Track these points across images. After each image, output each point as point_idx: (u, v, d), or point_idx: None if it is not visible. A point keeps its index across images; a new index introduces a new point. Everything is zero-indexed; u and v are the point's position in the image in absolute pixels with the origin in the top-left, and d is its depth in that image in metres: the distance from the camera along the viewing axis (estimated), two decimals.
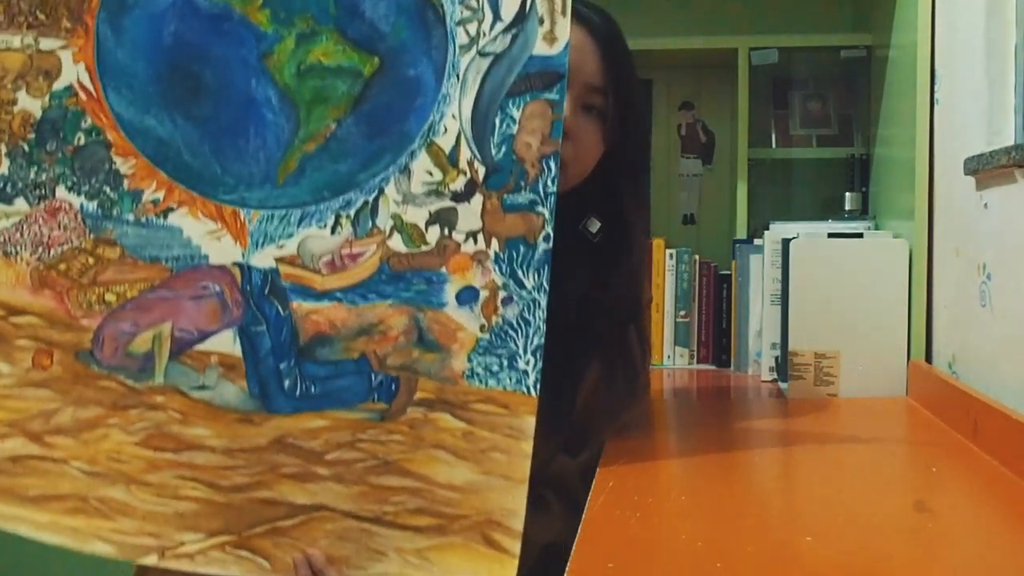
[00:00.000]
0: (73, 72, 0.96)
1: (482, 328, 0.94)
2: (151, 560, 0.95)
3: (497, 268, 0.94)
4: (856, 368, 1.55)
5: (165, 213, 0.95)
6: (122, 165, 0.96)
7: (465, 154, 0.94)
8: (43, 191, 0.96)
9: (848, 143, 2.18)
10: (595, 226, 1.14)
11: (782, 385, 1.64)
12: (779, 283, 1.69)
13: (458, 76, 0.94)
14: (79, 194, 0.96)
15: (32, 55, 0.97)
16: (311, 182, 0.95)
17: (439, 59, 0.94)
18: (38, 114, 0.96)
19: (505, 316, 0.94)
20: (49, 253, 0.96)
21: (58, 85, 0.96)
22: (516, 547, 0.92)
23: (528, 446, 0.93)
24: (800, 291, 1.57)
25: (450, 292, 0.94)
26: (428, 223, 0.94)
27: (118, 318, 0.95)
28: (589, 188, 1.13)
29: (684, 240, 2.26)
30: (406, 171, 0.94)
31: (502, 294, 0.94)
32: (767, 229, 1.80)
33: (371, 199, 0.94)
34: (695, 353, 2.05)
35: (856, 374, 1.55)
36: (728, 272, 2.00)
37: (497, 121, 0.94)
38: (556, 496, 1.09)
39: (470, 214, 0.94)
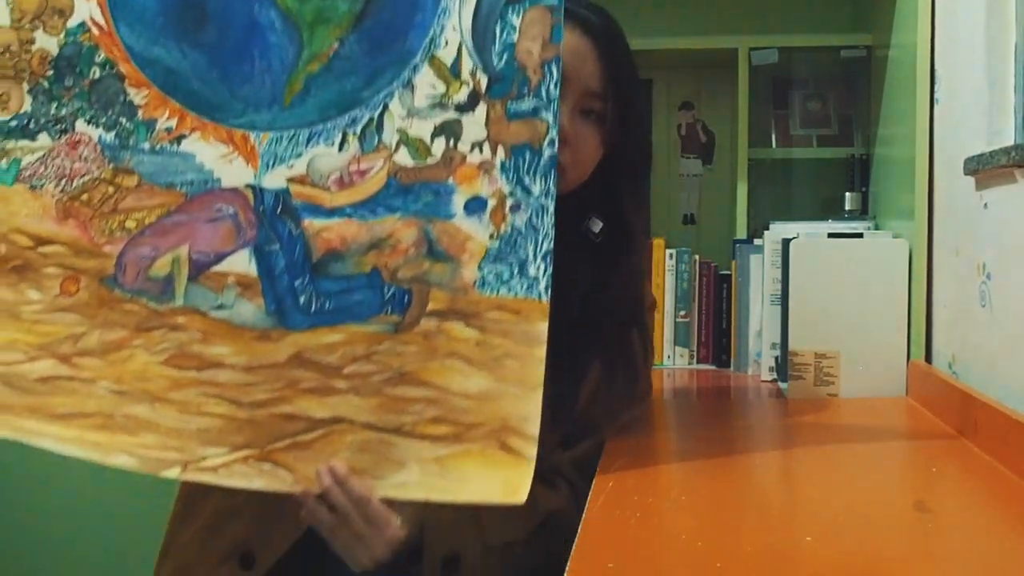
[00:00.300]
0: (86, 9, 0.99)
1: (491, 236, 0.95)
2: (174, 473, 0.97)
3: (504, 176, 0.95)
4: (856, 368, 1.55)
5: (178, 140, 0.98)
6: (136, 96, 0.99)
7: (467, 65, 0.95)
8: (64, 125, 0.99)
9: (848, 143, 2.18)
10: (597, 226, 1.14)
11: (782, 385, 1.64)
12: (779, 283, 1.69)
13: None
14: (97, 126, 0.99)
15: None
16: (317, 102, 0.97)
17: None
18: (55, 51, 1.00)
19: (514, 223, 0.95)
20: (72, 184, 0.99)
21: (72, 22, 0.99)
22: (532, 451, 0.92)
23: (541, 351, 0.94)
24: (800, 291, 1.57)
25: (458, 202, 0.95)
26: (433, 135, 0.95)
27: (138, 243, 0.98)
28: (590, 189, 1.13)
29: (684, 240, 2.25)
30: (409, 86, 0.96)
31: (510, 201, 0.95)
32: (767, 229, 1.80)
33: (376, 115, 0.96)
34: (695, 353, 2.05)
35: (856, 374, 1.55)
36: (728, 272, 2.00)
37: (497, 30, 0.95)
38: (559, 477, 1.10)
39: (475, 124, 0.95)
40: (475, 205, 0.95)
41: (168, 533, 1.15)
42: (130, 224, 0.98)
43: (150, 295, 0.98)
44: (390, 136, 0.96)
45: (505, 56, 0.94)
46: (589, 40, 1.08)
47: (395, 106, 0.96)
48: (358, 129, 0.96)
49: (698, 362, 2.05)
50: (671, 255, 2.04)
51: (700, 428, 1.40)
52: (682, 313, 2.05)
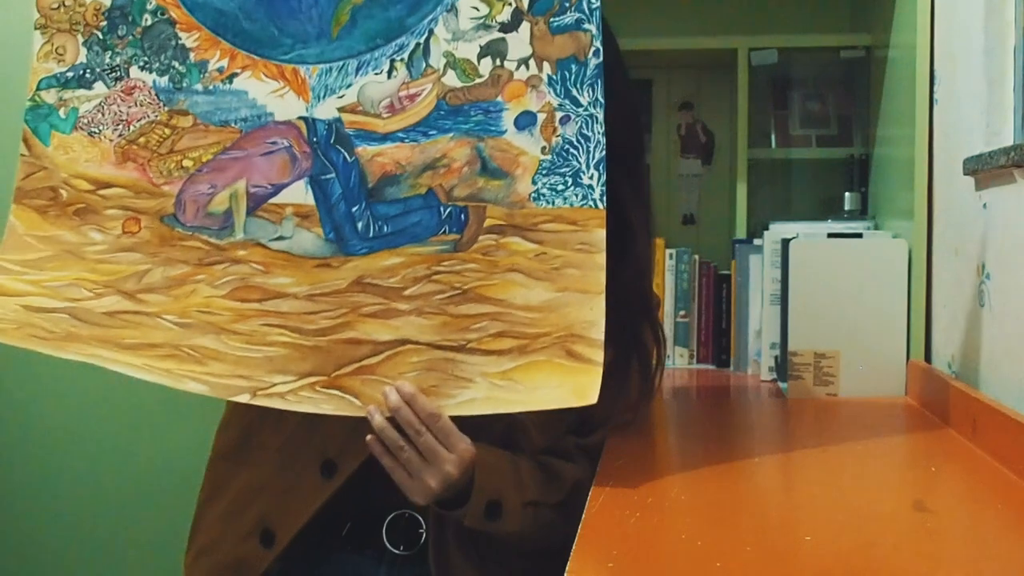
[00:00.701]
0: None
1: (543, 150, 0.97)
2: (244, 398, 0.99)
3: (551, 90, 0.97)
4: (856, 368, 1.55)
5: (230, 79, 1.01)
6: (187, 39, 1.02)
7: None
8: (119, 73, 1.03)
9: (848, 143, 2.18)
10: None
11: (782, 385, 1.64)
12: (779, 283, 1.69)
13: None
14: (151, 71, 1.02)
15: None
16: (363, 31, 0.99)
17: None
18: (108, 2, 1.03)
19: (564, 135, 0.97)
20: (129, 129, 1.02)
21: None
22: (599, 355, 0.94)
23: (601, 258, 0.96)
24: (800, 291, 1.57)
25: (508, 119, 0.97)
26: (480, 56, 0.97)
27: (196, 181, 1.01)
28: None
29: (684, 240, 2.25)
30: (453, 9, 0.98)
31: (559, 114, 0.97)
32: (767, 229, 1.80)
33: (422, 41, 0.98)
34: (695, 353, 2.05)
35: (856, 374, 1.55)
36: (728, 272, 2.00)
37: None
38: (572, 455, 1.12)
39: (519, 42, 0.97)
40: (525, 120, 0.97)
41: (196, 516, 1.17)
42: (187, 163, 1.01)
43: (210, 230, 1.00)
44: (437, 60, 0.98)
45: None
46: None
47: (440, 30, 0.98)
48: (405, 55, 0.98)
49: (698, 362, 2.05)
50: (671, 255, 2.05)
51: (700, 428, 1.40)
52: (682, 313, 2.05)
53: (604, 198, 0.96)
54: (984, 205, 1.27)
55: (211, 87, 1.01)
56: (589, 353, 0.94)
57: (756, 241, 1.90)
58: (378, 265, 0.98)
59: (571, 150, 0.97)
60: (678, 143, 2.34)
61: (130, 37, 1.02)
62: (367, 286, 0.98)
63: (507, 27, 0.97)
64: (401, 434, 0.97)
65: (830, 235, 1.64)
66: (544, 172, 0.97)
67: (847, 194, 1.93)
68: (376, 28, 0.99)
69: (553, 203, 0.96)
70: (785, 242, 1.62)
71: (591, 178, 0.96)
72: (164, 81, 1.02)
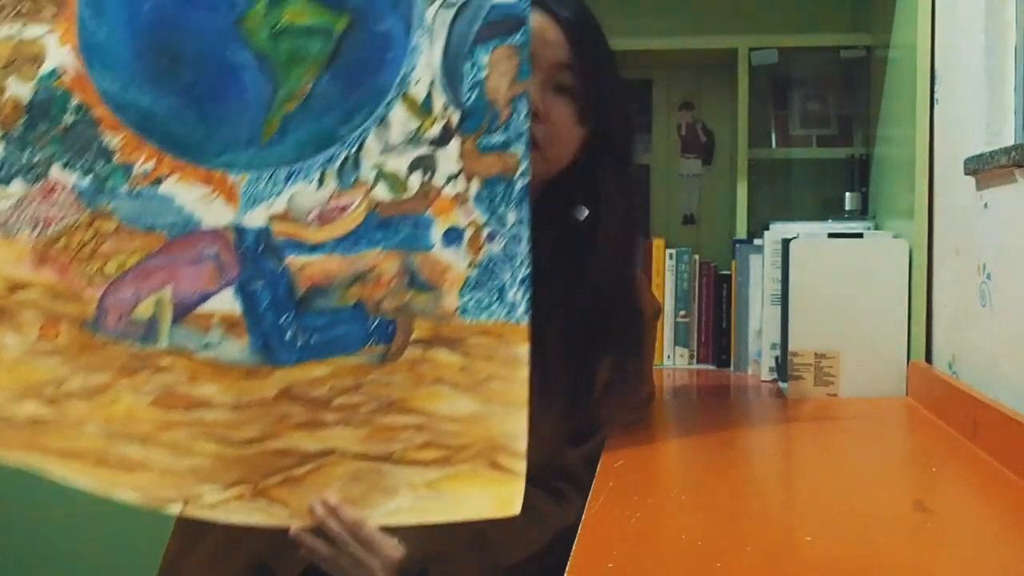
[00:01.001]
0: (59, 55, 0.98)
1: (470, 265, 0.97)
2: (176, 509, 0.97)
3: (479, 207, 0.97)
4: (856, 368, 1.55)
5: (157, 182, 0.98)
6: (111, 140, 0.98)
7: (439, 101, 0.97)
8: (38, 171, 0.98)
9: (848, 143, 2.18)
10: (582, 213, 1.14)
11: (782, 385, 1.64)
12: (779, 283, 1.69)
13: (426, 27, 0.97)
14: (72, 171, 0.98)
15: (19, 43, 0.99)
16: (294, 140, 0.97)
17: (406, 12, 0.97)
18: (28, 98, 0.99)
19: (491, 251, 0.97)
20: (48, 230, 0.98)
21: (45, 68, 0.98)
22: (521, 467, 0.94)
23: (524, 372, 0.96)
24: (800, 291, 1.57)
25: (436, 233, 0.97)
26: (409, 170, 0.97)
27: (120, 287, 0.97)
28: (576, 175, 1.14)
29: (684, 240, 2.25)
30: (384, 122, 0.97)
31: (486, 231, 0.97)
32: (767, 229, 1.80)
33: (353, 152, 0.97)
34: (695, 353, 2.05)
35: (856, 374, 1.55)
36: (728, 272, 2.00)
37: (467, 68, 0.97)
38: (569, 485, 1.11)
39: (448, 158, 0.97)
40: (453, 235, 0.97)
41: (166, 567, 1.14)
42: (110, 268, 0.98)
43: (134, 338, 0.97)
44: (367, 172, 0.97)
45: (475, 92, 0.97)
46: (550, 17, 1.10)
47: (371, 142, 0.97)
48: (336, 166, 0.97)
49: (698, 362, 2.05)
50: (671, 255, 2.05)
51: (700, 428, 1.40)
52: (682, 313, 2.05)
53: (528, 314, 0.97)
54: (985, 205, 1.27)
55: (136, 190, 0.98)
56: (511, 464, 0.95)
57: (756, 241, 1.90)
58: (306, 376, 0.97)
59: (497, 267, 0.97)
60: (678, 143, 2.34)
61: (51, 135, 0.98)
62: (294, 397, 0.97)
63: (437, 142, 0.97)
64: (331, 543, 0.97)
65: (831, 235, 1.64)
66: (470, 287, 0.97)
67: (847, 194, 1.93)
68: (307, 137, 0.97)
69: (479, 317, 0.97)
70: (785, 242, 1.62)
71: (515, 295, 0.97)
72: (87, 182, 0.98)
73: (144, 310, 0.97)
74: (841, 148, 2.17)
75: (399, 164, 0.97)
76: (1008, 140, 1.23)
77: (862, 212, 1.94)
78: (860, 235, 1.64)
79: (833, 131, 2.21)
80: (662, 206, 2.34)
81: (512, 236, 0.97)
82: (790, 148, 2.23)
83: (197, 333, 0.97)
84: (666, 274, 2.04)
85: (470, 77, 0.97)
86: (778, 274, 1.70)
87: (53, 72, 0.98)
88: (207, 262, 0.97)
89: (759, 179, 2.19)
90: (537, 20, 1.09)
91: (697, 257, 2.05)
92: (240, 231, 0.97)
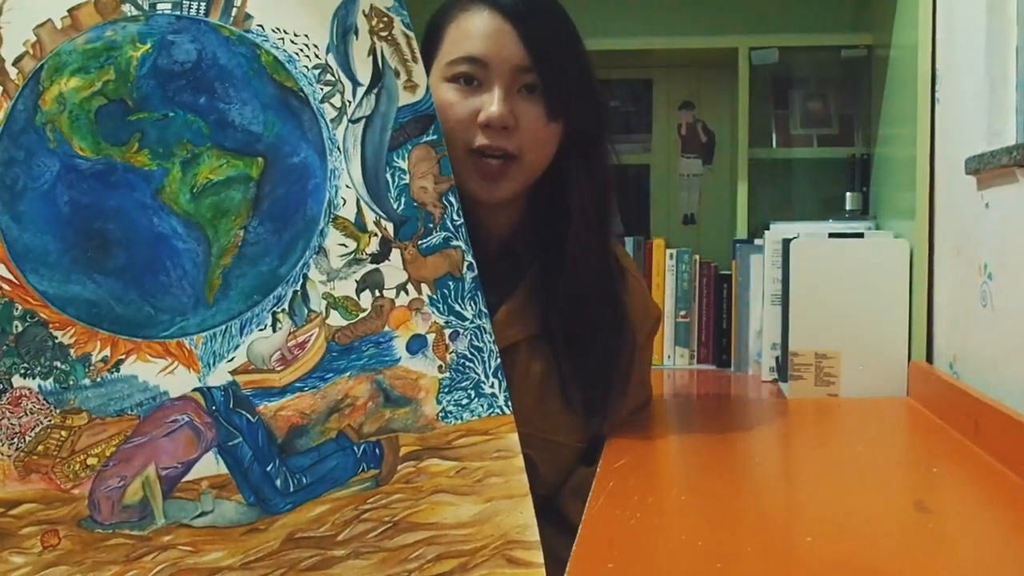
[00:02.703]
0: None
1: (440, 369, 0.99)
2: None
3: (435, 309, 1.00)
4: (856, 368, 1.54)
5: (116, 366, 0.99)
6: (64, 337, 0.99)
7: (370, 216, 0.99)
8: (1, 386, 0.99)
9: (848, 143, 2.18)
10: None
11: (782, 385, 1.63)
12: (779, 283, 1.68)
13: (339, 148, 1.00)
14: (34, 377, 0.99)
15: None
16: (239, 291, 0.99)
17: (316, 139, 1.00)
18: None
19: (458, 350, 0.99)
20: (25, 440, 0.99)
21: None
22: (539, 556, 0.96)
23: (520, 461, 0.98)
24: (800, 291, 1.57)
25: (400, 346, 0.99)
26: (358, 291, 0.99)
27: (105, 477, 0.98)
28: (551, 173, 1.13)
29: (684, 240, 2.25)
30: (322, 251, 0.99)
31: (448, 331, 0.99)
32: (767, 229, 1.79)
33: (299, 288, 0.99)
34: (695, 353, 2.05)
35: (856, 374, 1.54)
36: (728, 272, 2.00)
37: (389, 177, 1.00)
38: (582, 505, 1.10)
39: (394, 270, 1.00)
40: (416, 344, 0.99)
41: None
42: (91, 461, 0.98)
43: (130, 523, 0.98)
44: (318, 303, 0.99)
45: (403, 199, 0.99)
46: (500, 17, 1.08)
47: (314, 274, 0.99)
48: (286, 306, 0.99)
49: (698, 362, 2.05)
50: (671, 255, 2.04)
51: (700, 428, 1.40)
52: (682, 313, 2.04)
53: (508, 403, 0.98)
54: (986, 205, 1.27)
55: (98, 379, 0.99)
56: (528, 556, 0.96)
57: (757, 241, 1.90)
58: (305, 517, 0.98)
59: (467, 363, 0.99)
60: (678, 143, 2.34)
61: (4, 347, 0.99)
62: (299, 541, 0.98)
63: (378, 257, 0.99)
64: None
65: (831, 235, 1.64)
66: (446, 390, 0.99)
67: (848, 194, 1.92)
68: (251, 285, 0.99)
69: (461, 418, 0.98)
70: (786, 242, 1.61)
71: (492, 386, 0.99)
72: (49, 383, 0.99)
73: (133, 493, 0.98)
74: (842, 148, 2.17)
75: (347, 288, 0.99)
76: (1009, 140, 1.22)
77: (863, 212, 1.93)
78: (861, 235, 1.64)
79: (834, 131, 2.21)
80: (662, 206, 2.34)
81: (475, 330, 0.99)
82: (790, 148, 2.23)
83: (190, 502, 0.98)
84: (666, 274, 2.04)
85: (394, 185, 0.99)
86: (778, 274, 1.69)
87: None
88: (182, 431, 0.99)
89: (759, 179, 2.18)
90: (491, 23, 1.08)
91: (697, 257, 2.05)
92: (207, 393, 0.99)
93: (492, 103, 1.06)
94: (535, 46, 1.08)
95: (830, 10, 2.19)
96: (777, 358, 1.73)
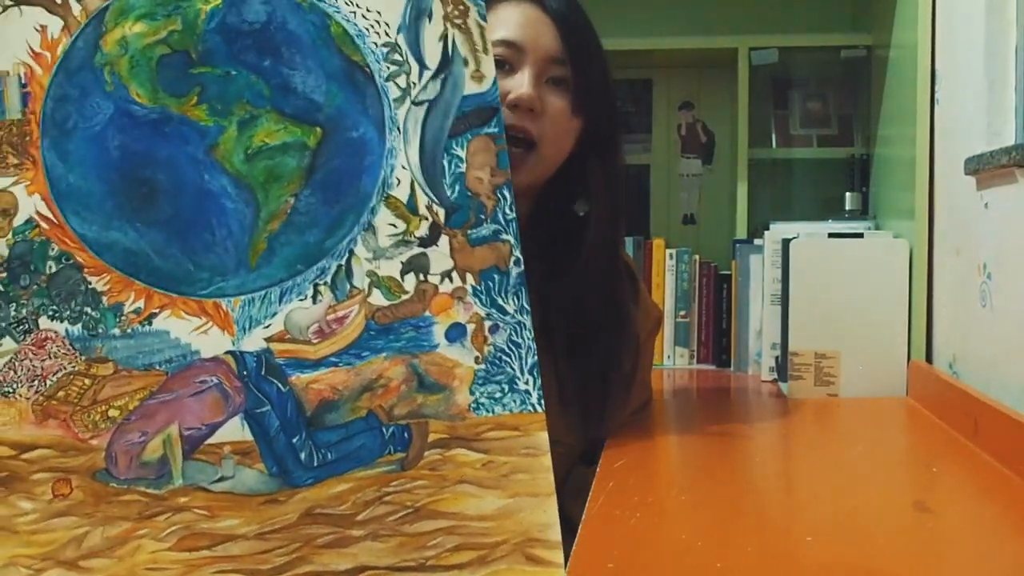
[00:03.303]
0: (30, 204, 0.97)
1: (477, 360, 0.97)
2: None
3: (477, 300, 0.98)
4: (856, 368, 1.55)
5: (149, 320, 0.97)
6: (97, 283, 0.97)
7: (423, 200, 0.98)
8: (27, 325, 0.98)
9: (848, 143, 2.18)
10: (583, 209, 1.15)
11: (782, 385, 1.63)
12: (779, 283, 1.68)
13: (399, 128, 0.98)
14: (62, 320, 0.97)
15: None
16: (283, 259, 0.98)
17: (377, 116, 0.98)
18: (5, 252, 0.98)
19: (496, 343, 0.98)
20: (46, 384, 0.97)
21: (18, 220, 0.98)
22: (559, 556, 0.94)
23: (547, 460, 0.97)
24: (800, 291, 1.57)
25: (439, 333, 0.97)
26: (403, 272, 0.97)
27: (125, 431, 0.97)
28: (567, 169, 1.14)
29: (684, 240, 2.25)
30: (371, 228, 0.98)
31: (488, 323, 0.98)
32: (767, 229, 1.79)
33: (344, 262, 0.98)
34: (695, 353, 2.05)
35: (856, 374, 1.54)
36: (728, 272, 2.00)
37: (445, 163, 0.98)
38: (583, 507, 1.10)
39: (440, 256, 0.98)
40: (456, 332, 0.97)
41: None
42: (113, 413, 0.97)
43: (147, 481, 0.97)
44: (361, 280, 0.98)
45: (457, 187, 0.98)
46: (543, 11, 1.11)
47: (360, 250, 0.98)
48: (328, 279, 0.98)
49: (698, 362, 2.05)
50: (671, 255, 2.04)
51: (700, 428, 1.40)
52: (682, 313, 2.05)
53: (541, 402, 0.97)
54: (985, 205, 1.27)
55: (129, 330, 0.97)
56: (549, 556, 0.94)
57: (757, 241, 1.90)
58: (326, 494, 0.97)
59: (504, 358, 0.98)
60: (678, 143, 2.34)
61: (35, 287, 0.97)
62: (318, 516, 0.97)
63: (426, 241, 0.98)
64: None
65: (831, 235, 1.64)
66: (480, 382, 0.97)
67: (848, 194, 1.92)
68: (295, 254, 0.97)
69: (493, 411, 0.97)
70: (786, 242, 1.61)
71: (527, 383, 0.97)
72: (77, 329, 0.97)
73: (153, 451, 0.97)
74: (841, 148, 2.17)
75: (392, 268, 0.98)
76: (1008, 140, 1.23)
77: (862, 212, 1.93)
78: (860, 235, 1.64)
79: (833, 131, 2.21)
80: (662, 206, 2.34)
81: (515, 325, 0.98)
82: (790, 148, 2.23)
83: (211, 466, 0.97)
84: (666, 274, 2.04)
85: (450, 172, 0.98)
86: (778, 274, 1.69)
87: (28, 222, 0.97)
88: (210, 392, 0.97)
89: (759, 179, 2.19)
90: (529, 13, 1.10)
91: (697, 257, 2.05)
92: (239, 357, 0.97)
93: (523, 84, 1.08)
94: (570, 40, 1.11)
95: (830, 10, 2.20)
96: (777, 358, 1.73)
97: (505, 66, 1.10)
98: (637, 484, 1.00)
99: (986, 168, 1.22)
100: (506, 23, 1.11)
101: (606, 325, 1.16)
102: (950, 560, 0.82)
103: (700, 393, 1.78)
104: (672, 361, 2.05)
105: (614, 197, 1.17)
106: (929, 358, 1.52)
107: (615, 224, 1.17)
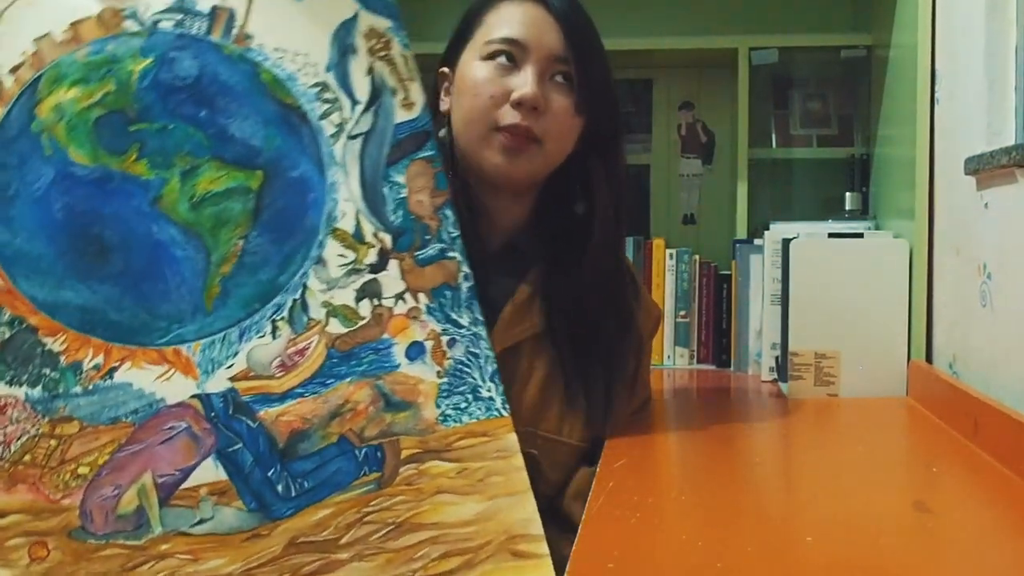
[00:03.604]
0: None
1: (439, 374, 1.01)
2: None
3: (432, 318, 1.02)
4: (856, 368, 1.55)
5: (110, 374, 0.98)
6: (53, 344, 0.98)
7: (368, 228, 1.01)
8: None
9: (848, 143, 2.18)
10: (583, 209, 1.15)
11: (782, 385, 1.63)
12: (779, 283, 1.68)
13: (338, 163, 1.01)
14: (20, 385, 0.98)
15: None
16: (238, 299, 1.00)
17: (315, 154, 1.02)
18: None
19: (455, 357, 1.01)
20: (10, 450, 0.97)
21: None
22: (543, 548, 0.96)
23: (519, 459, 0.99)
24: (800, 291, 1.57)
25: (399, 353, 1.01)
26: (357, 299, 1.01)
27: (98, 486, 0.97)
28: (569, 168, 1.15)
29: (684, 240, 2.25)
30: (321, 261, 1.01)
31: (445, 339, 1.01)
32: (767, 229, 1.79)
33: (299, 296, 1.01)
34: (695, 353, 2.05)
35: (856, 374, 1.54)
36: (728, 272, 2.00)
37: (386, 191, 1.02)
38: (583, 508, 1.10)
39: (392, 279, 1.01)
40: (415, 351, 1.01)
41: None
42: (83, 470, 0.97)
43: (125, 533, 0.97)
44: (317, 311, 1.00)
45: (400, 212, 1.02)
46: (546, 10, 1.11)
47: (313, 283, 1.00)
48: (285, 314, 1.00)
49: (698, 362, 2.05)
50: (671, 255, 2.04)
51: (700, 428, 1.40)
52: (682, 313, 2.05)
53: (506, 405, 1.00)
54: (985, 205, 1.27)
55: (91, 387, 0.98)
56: (534, 548, 0.96)
57: (757, 241, 1.90)
58: (308, 522, 0.98)
59: (464, 369, 1.01)
60: (678, 143, 2.34)
61: None
62: (302, 545, 0.98)
63: (376, 267, 1.01)
64: None
65: (831, 235, 1.64)
66: (445, 395, 1.01)
67: (848, 194, 1.92)
68: (250, 294, 1.00)
69: (460, 421, 1.00)
70: (786, 242, 1.61)
71: (489, 390, 1.01)
72: (37, 391, 0.98)
73: (128, 502, 0.97)
74: (841, 148, 2.17)
75: (346, 297, 1.01)
76: (1009, 140, 1.23)
77: (862, 212, 1.93)
78: (860, 235, 1.64)
79: (833, 131, 2.21)
80: (662, 206, 2.34)
81: (471, 337, 1.01)
82: (790, 148, 2.23)
83: (188, 510, 0.97)
84: (666, 274, 2.04)
85: (392, 199, 1.02)
86: (778, 274, 1.69)
87: None
88: (180, 438, 0.98)
89: (759, 179, 2.19)
90: (533, 12, 1.11)
91: (697, 257, 2.05)
92: (206, 399, 0.98)
93: (527, 83, 1.09)
94: (573, 39, 1.11)
95: (830, 10, 2.20)
96: (777, 358, 1.73)
97: (509, 63, 1.10)
98: (637, 484, 1.00)
99: (986, 168, 1.22)
100: (510, 22, 1.11)
101: (609, 324, 1.16)
102: (950, 560, 0.82)
103: (700, 393, 1.78)
104: (672, 361, 2.05)
105: (616, 196, 1.17)
106: (929, 358, 1.52)
107: (617, 223, 1.17)
